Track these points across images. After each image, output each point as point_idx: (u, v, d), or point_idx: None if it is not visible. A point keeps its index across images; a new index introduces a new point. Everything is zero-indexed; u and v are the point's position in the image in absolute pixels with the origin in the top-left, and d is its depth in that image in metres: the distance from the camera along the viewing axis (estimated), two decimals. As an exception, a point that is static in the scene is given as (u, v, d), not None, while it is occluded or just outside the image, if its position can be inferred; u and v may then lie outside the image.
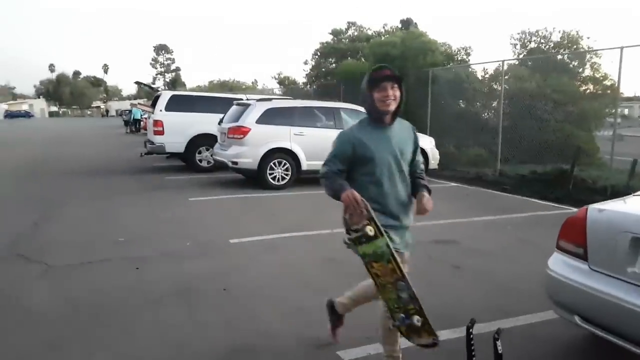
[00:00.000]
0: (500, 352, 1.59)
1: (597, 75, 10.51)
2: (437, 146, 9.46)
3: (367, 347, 2.77)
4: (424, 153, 9.20)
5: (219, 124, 9.01)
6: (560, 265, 2.46)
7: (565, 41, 11.47)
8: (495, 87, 11.65)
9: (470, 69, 12.94)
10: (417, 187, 2.41)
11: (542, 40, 12.20)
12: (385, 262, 2.12)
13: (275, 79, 27.37)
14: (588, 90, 10.94)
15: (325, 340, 2.86)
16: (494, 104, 11.45)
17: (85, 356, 2.72)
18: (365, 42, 20.80)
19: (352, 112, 9.15)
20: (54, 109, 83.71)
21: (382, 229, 2.12)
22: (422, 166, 2.53)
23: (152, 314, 3.23)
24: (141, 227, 5.66)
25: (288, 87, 24.50)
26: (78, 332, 2.99)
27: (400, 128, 2.41)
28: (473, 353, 1.62)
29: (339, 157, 2.30)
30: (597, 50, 10.88)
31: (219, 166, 9.04)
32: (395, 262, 2.11)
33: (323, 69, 23.02)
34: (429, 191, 2.39)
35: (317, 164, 8.44)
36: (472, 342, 1.63)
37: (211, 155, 9.65)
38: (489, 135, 10.22)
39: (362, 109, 9.36)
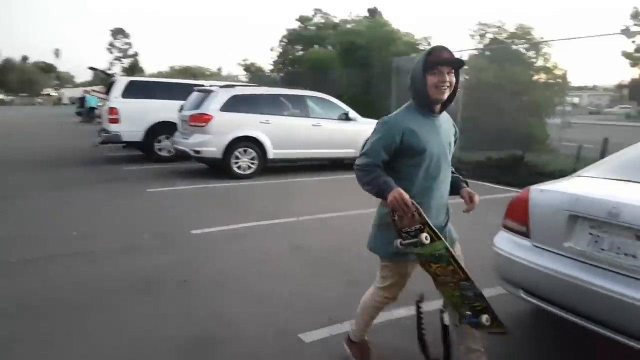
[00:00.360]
0: (446, 324, 1.68)
1: (549, 65, 10.99)
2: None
3: (329, 328, 2.84)
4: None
5: (180, 111, 8.83)
6: (505, 242, 2.62)
7: (520, 32, 11.91)
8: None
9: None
10: (457, 182, 2.25)
11: (498, 31, 12.61)
12: (445, 264, 1.95)
13: (241, 65, 26.72)
14: (541, 80, 11.41)
15: (287, 324, 2.92)
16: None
17: (39, 355, 2.61)
18: (331, 30, 20.76)
19: (319, 101, 9.22)
20: (0, 96, 78.81)
21: (438, 232, 1.93)
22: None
23: (109, 309, 3.16)
24: (96, 220, 5.50)
25: (255, 74, 24.12)
26: (29, 330, 2.84)
27: (446, 119, 2.21)
28: (422, 327, 1.71)
29: (385, 147, 2.02)
30: (549, 41, 11.38)
31: (181, 156, 8.86)
32: (456, 264, 1.94)
33: (290, 56, 22.80)
34: (467, 184, 2.26)
35: (284, 153, 8.57)
36: (421, 317, 1.72)
37: (172, 144, 9.46)
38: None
39: (329, 97, 9.33)
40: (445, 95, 2.03)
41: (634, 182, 2.46)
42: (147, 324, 2.95)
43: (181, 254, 4.29)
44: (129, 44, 67.69)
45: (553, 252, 2.39)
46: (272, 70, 23.32)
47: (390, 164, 2.06)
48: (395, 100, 11.71)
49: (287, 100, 8.87)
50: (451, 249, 1.93)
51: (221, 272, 3.85)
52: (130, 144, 10.47)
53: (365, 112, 9.77)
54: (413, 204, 1.88)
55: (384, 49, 13.14)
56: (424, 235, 1.86)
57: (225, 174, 8.09)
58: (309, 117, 8.78)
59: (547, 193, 2.53)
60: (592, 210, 2.27)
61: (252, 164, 8.25)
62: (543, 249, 2.44)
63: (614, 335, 2.07)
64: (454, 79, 2.02)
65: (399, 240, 1.93)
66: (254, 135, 8.18)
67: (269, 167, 8.59)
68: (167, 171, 8.95)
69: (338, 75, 14.76)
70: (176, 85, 10.55)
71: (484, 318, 1.93)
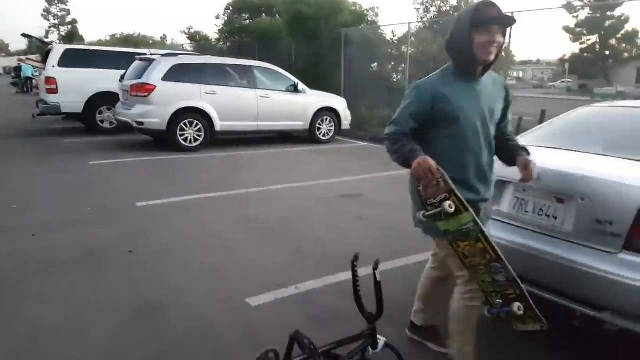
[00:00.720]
0: (378, 280, 1.77)
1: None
2: (350, 107, 9.73)
3: (275, 292, 2.92)
4: (336, 114, 9.44)
5: (121, 81, 8.41)
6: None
7: (463, 4, 12.16)
8: (403, 50, 12.10)
9: (380, 31, 13.21)
10: (514, 150, 2.03)
11: (442, 4, 12.83)
12: (473, 241, 1.79)
13: (185, 33, 25.35)
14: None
15: (234, 290, 2.96)
16: (402, 66, 11.94)
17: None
18: (279, -1, 20.21)
19: (266, 72, 9.05)
20: None
21: (465, 202, 1.74)
22: (512, 128, 2.13)
23: (52, 281, 3.07)
24: (36, 193, 5.24)
25: (199, 43, 23.13)
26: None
27: (492, 82, 1.98)
28: (357, 285, 1.79)
29: (414, 114, 1.86)
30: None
31: (123, 127, 8.47)
32: (486, 241, 1.78)
33: (237, 25, 22.03)
34: (529, 153, 2.02)
35: (231, 125, 8.42)
36: (356, 275, 1.79)
37: (114, 116, 9.03)
38: (398, 97, 10.69)
39: (277, 69, 9.12)
40: (493, 56, 1.82)
41: (556, 148, 2.65)
42: (91, 295, 2.90)
43: (126, 226, 4.19)
44: (67, 10, 62.66)
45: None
46: (218, 40, 22.46)
47: (421, 135, 1.89)
48: (344, 72, 11.73)
49: (234, 71, 8.66)
50: (480, 223, 1.78)
51: (167, 243, 3.81)
52: (70, 116, 9.92)
53: (315, 85, 9.73)
54: (438, 169, 1.73)
55: (332, 18, 12.99)
56: (447, 203, 1.70)
57: (171, 146, 7.87)
58: (256, 88, 8.62)
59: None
60: (517, 175, 2.42)
61: (199, 136, 8.06)
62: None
63: (539, 292, 2.24)
64: (502, 40, 1.82)
65: (422, 212, 1.79)
66: (200, 107, 7.94)
67: (217, 140, 8.43)
68: (110, 143, 8.59)
69: (286, 46, 14.51)
70: (117, 54, 10.01)
71: (516, 306, 1.81)
